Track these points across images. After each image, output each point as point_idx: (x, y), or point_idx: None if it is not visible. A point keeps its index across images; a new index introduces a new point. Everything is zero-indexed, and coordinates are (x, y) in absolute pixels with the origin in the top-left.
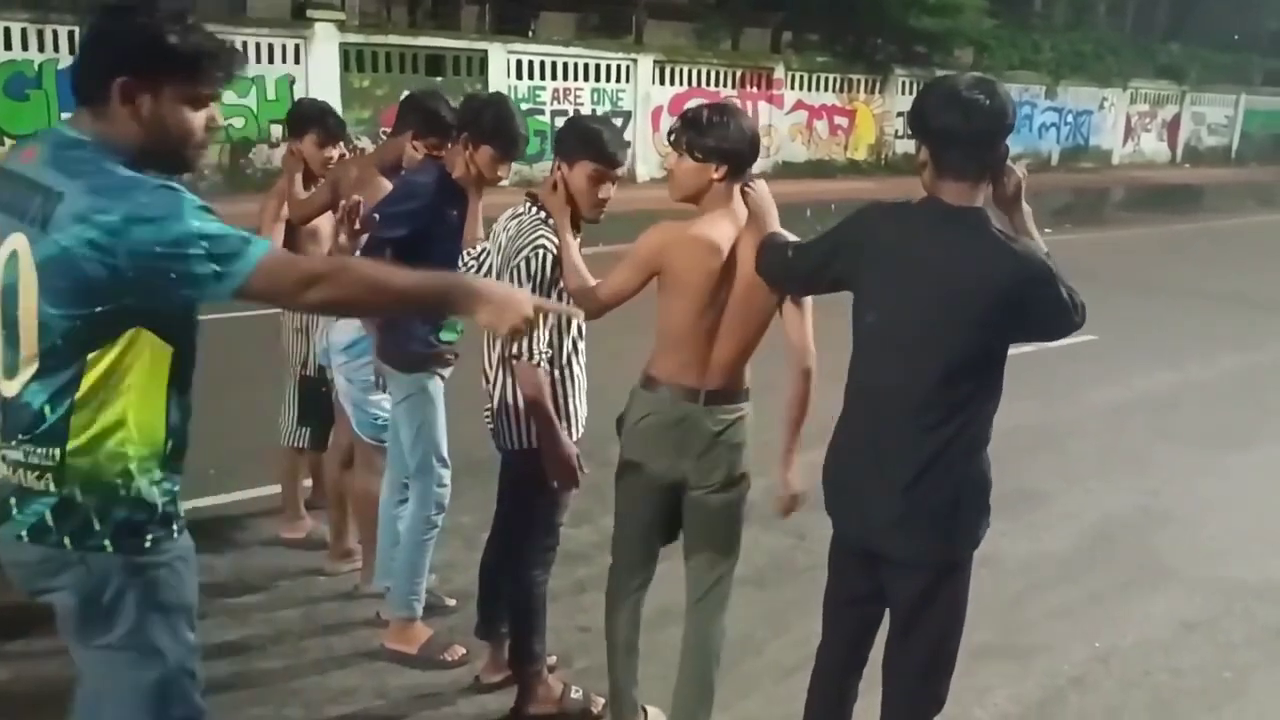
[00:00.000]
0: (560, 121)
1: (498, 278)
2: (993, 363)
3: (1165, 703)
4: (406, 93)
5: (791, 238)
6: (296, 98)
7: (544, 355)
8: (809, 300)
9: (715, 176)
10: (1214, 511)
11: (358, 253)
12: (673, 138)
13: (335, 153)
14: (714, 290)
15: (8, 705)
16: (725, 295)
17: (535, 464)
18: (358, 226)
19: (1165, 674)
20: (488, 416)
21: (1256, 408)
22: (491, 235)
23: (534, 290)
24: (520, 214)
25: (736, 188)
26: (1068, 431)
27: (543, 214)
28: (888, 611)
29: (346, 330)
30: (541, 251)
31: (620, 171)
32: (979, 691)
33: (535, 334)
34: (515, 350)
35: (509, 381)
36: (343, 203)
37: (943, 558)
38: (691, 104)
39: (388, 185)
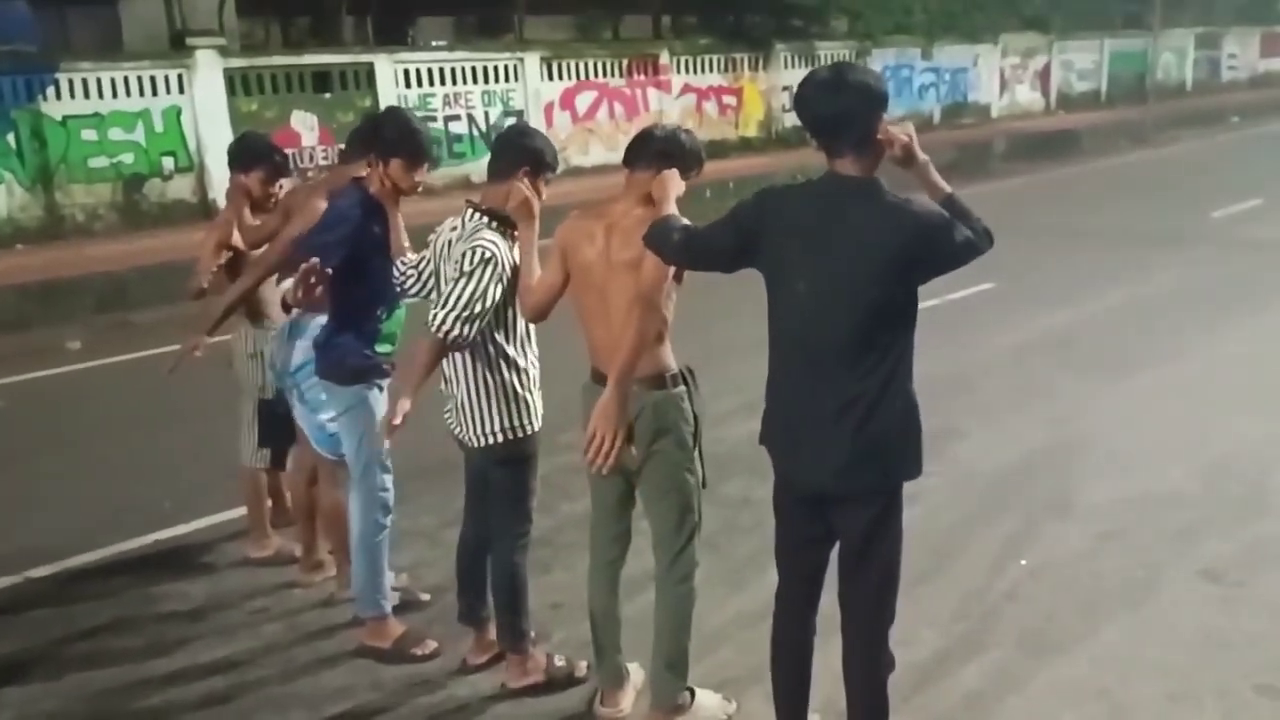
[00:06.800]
0: (454, 127)
1: (435, 277)
2: (909, 304)
3: (1090, 604)
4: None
5: (684, 222)
6: (183, 128)
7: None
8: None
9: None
10: (1117, 432)
11: (289, 280)
12: None
13: (282, 185)
14: (589, 271)
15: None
16: (601, 278)
17: (508, 454)
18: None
19: (1088, 579)
20: (449, 416)
21: (1146, 334)
22: (431, 244)
23: (466, 281)
24: (456, 224)
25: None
26: (977, 374)
27: (487, 218)
28: (836, 547)
29: (296, 353)
30: (481, 249)
31: None
32: (923, 614)
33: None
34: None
35: (476, 379)
36: (304, 265)
37: (889, 489)
38: (581, 96)
39: None
